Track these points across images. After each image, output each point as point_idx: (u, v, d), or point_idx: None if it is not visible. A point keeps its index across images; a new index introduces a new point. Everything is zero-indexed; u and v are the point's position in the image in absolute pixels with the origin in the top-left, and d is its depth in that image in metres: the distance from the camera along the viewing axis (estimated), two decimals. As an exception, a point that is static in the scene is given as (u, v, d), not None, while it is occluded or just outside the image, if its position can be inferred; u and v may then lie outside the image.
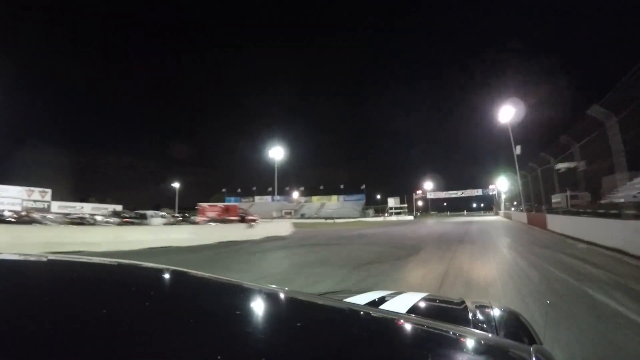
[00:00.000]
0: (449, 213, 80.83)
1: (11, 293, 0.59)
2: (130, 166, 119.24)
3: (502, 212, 48.50)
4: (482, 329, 0.90)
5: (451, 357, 0.55)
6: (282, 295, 0.84)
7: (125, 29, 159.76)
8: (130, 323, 0.50)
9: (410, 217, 56.42)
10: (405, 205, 66.05)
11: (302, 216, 62.85)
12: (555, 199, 18.20)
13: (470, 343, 0.63)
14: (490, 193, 67.43)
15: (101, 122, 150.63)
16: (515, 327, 0.98)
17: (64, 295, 0.61)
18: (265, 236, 16.56)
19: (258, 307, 0.73)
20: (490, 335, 0.84)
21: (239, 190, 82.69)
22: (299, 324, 0.62)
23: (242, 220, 25.39)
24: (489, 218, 41.39)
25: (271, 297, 0.82)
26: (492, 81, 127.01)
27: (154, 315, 0.55)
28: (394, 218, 55.32)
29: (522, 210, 28.75)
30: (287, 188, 76.84)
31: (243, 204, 78.27)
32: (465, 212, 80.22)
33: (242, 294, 0.81)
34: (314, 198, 73.80)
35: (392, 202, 65.30)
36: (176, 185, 71.37)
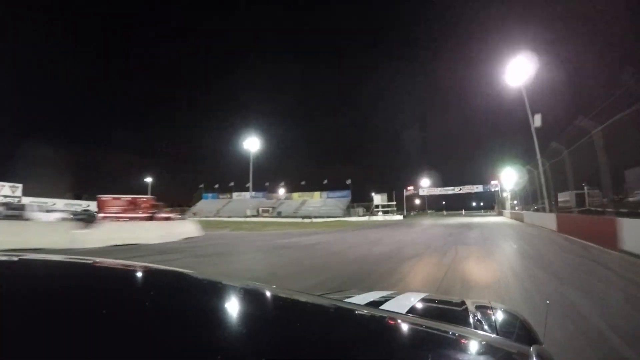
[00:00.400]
0: (445, 212, 73.29)
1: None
2: (123, 163, 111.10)
3: (507, 211, 40.76)
4: (482, 329, 0.89)
5: (451, 358, 0.55)
6: (282, 295, 0.85)
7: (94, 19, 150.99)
8: (131, 324, 0.50)
9: (400, 217, 48.95)
10: (394, 203, 57.57)
11: (279, 214, 55.43)
12: (563, 197, 15.24)
13: (470, 343, 0.63)
14: (493, 189, 59.49)
15: (89, 120, 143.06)
16: (515, 327, 0.96)
17: (54, 296, 0.59)
18: (109, 245, 10.29)
19: (258, 306, 0.73)
20: (490, 335, 0.82)
21: (216, 186, 75.36)
22: (299, 324, 0.62)
23: (151, 218, 19.20)
24: (493, 219, 33.89)
25: (271, 297, 0.82)
26: (497, 34, 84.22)
27: (154, 316, 0.55)
28: (380, 218, 47.92)
29: (539, 209, 21.33)
30: (267, 184, 69.28)
31: (220, 201, 71.53)
32: (463, 212, 72.59)
33: (242, 293, 0.81)
34: (295, 195, 65.89)
35: (378, 199, 56.54)
36: (149, 180, 69.48)
